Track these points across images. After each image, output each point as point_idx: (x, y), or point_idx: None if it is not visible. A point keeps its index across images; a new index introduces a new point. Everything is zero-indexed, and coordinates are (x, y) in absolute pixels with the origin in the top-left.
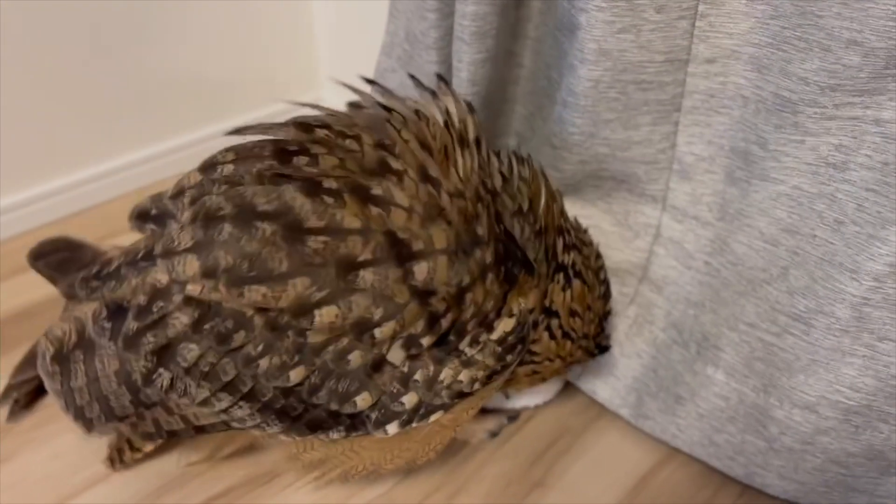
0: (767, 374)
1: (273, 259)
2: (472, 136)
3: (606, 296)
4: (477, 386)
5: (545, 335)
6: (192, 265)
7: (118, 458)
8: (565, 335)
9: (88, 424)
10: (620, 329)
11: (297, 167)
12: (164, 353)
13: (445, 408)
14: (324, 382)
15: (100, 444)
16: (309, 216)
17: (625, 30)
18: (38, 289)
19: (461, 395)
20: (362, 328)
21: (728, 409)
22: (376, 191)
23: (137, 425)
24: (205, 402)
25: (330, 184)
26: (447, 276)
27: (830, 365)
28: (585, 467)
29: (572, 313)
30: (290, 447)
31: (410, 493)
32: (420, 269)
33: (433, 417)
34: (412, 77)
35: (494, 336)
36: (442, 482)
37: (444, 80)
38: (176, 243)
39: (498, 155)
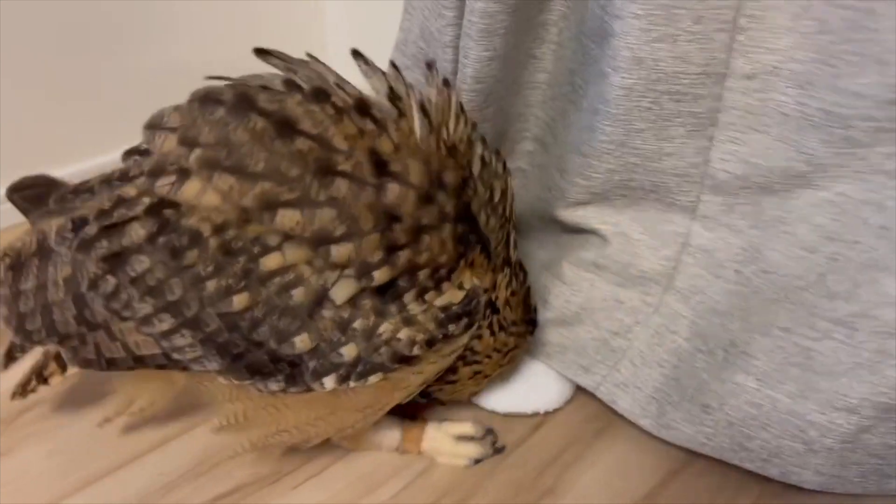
0: (804, 379)
1: (252, 156)
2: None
3: (525, 276)
4: (417, 350)
5: (486, 333)
6: (170, 140)
7: (31, 383)
8: (501, 328)
9: (27, 336)
10: (642, 339)
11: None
12: (114, 261)
13: (385, 369)
14: (265, 317)
15: (101, 441)
16: (304, 120)
17: (660, 39)
18: None
19: (401, 360)
20: (321, 241)
21: (761, 416)
22: (377, 113)
23: (78, 349)
24: (146, 321)
25: (337, 98)
26: (413, 209)
27: (875, 367)
28: (596, 476)
29: (507, 304)
30: (217, 392)
31: (418, 497)
32: (392, 189)
33: (371, 379)
34: (428, 66)
35: (440, 302)
36: (450, 488)
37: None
38: (165, 120)
39: (483, 142)
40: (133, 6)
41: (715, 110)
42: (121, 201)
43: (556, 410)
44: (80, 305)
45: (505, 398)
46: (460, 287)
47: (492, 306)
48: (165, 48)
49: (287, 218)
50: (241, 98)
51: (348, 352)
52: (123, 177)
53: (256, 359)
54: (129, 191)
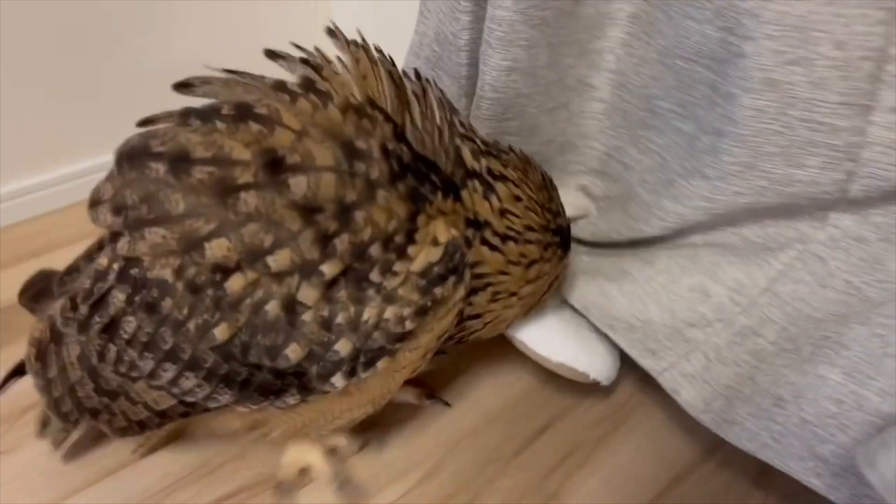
0: None
1: (170, 200)
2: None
3: (547, 185)
4: (409, 324)
5: (484, 249)
6: (105, 211)
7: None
8: (506, 238)
9: (65, 418)
10: (722, 336)
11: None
12: (110, 330)
13: (388, 353)
14: (252, 340)
15: (107, 439)
16: (196, 147)
17: (795, 62)
18: None
19: (398, 339)
20: (254, 256)
21: (841, 416)
22: (260, 110)
23: (111, 421)
24: (153, 375)
25: (225, 110)
26: (333, 192)
27: None
28: (601, 480)
29: (503, 214)
30: (234, 421)
31: (423, 499)
32: (297, 183)
33: (380, 364)
34: (331, 32)
35: (416, 267)
36: (456, 491)
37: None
38: (100, 194)
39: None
40: (134, 6)
41: (856, 145)
42: (98, 275)
43: (589, 396)
44: (95, 378)
45: (558, 348)
46: (435, 243)
47: (474, 224)
48: (167, 48)
49: (217, 248)
50: (133, 151)
51: (343, 347)
52: (100, 247)
53: (263, 380)
54: (103, 262)
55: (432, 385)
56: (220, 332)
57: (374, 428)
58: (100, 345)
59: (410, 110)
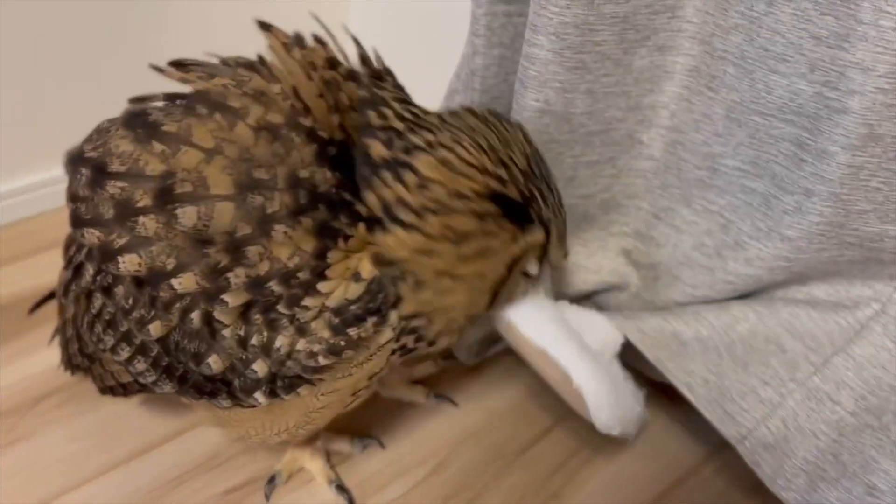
0: None
1: (103, 205)
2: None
3: (498, 146)
4: (322, 360)
5: (398, 230)
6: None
7: None
8: (423, 212)
9: (67, 363)
10: (797, 398)
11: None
12: (85, 301)
13: (308, 381)
14: (181, 341)
15: (119, 430)
16: (114, 161)
17: None
18: (39, 275)
19: (315, 371)
20: (158, 277)
21: None
22: (169, 127)
23: (94, 379)
24: (114, 351)
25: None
26: (228, 223)
27: None
28: (603, 482)
29: (423, 186)
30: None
31: (426, 497)
32: (185, 214)
33: (302, 390)
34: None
35: (331, 303)
36: (459, 488)
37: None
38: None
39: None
40: (140, 5)
41: None
42: (79, 245)
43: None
44: (79, 339)
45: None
46: (357, 279)
47: (385, 210)
48: (176, 47)
49: (129, 262)
50: (71, 154)
51: (259, 368)
52: None
53: (196, 380)
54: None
55: (440, 384)
56: (155, 329)
57: (379, 424)
58: (76, 312)
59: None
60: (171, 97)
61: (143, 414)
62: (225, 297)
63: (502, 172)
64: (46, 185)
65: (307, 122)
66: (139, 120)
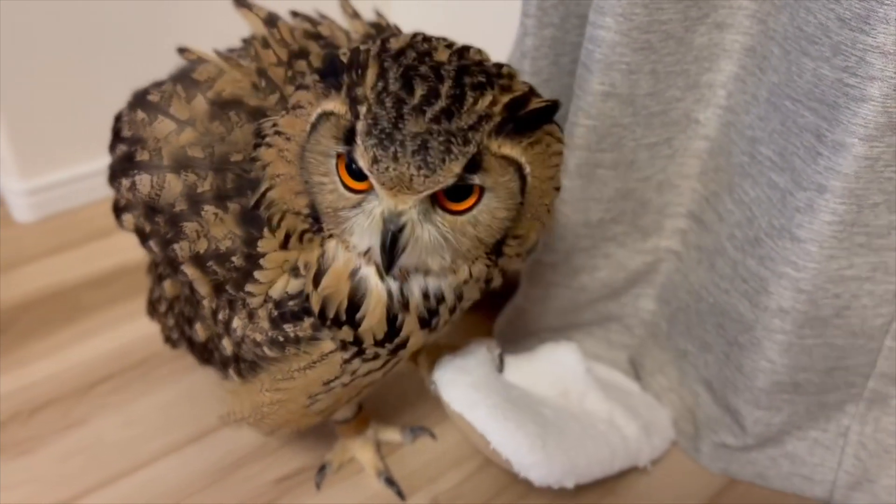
0: None
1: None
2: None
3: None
4: (268, 351)
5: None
6: None
7: None
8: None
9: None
10: (854, 428)
11: None
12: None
13: (261, 368)
14: (184, 305)
15: (173, 416)
16: (123, 125)
17: None
18: (64, 272)
19: (263, 358)
20: (141, 238)
21: None
22: (152, 97)
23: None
24: (157, 302)
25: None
26: (173, 196)
27: None
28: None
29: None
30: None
31: (475, 492)
32: (141, 181)
33: (262, 375)
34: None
35: (274, 293)
36: (509, 483)
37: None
38: None
39: None
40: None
41: None
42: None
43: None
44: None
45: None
46: (296, 274)
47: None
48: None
49: (126, 222)
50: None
51: (227, 345)
52: None
53: (197, 345)
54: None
55: None
56: (168, 288)
57: (431, 415)
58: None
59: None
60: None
61: (195, 401)
62: (184, 268)
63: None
64: (68, 185)
65: (253, 101)
66: (140, 91)
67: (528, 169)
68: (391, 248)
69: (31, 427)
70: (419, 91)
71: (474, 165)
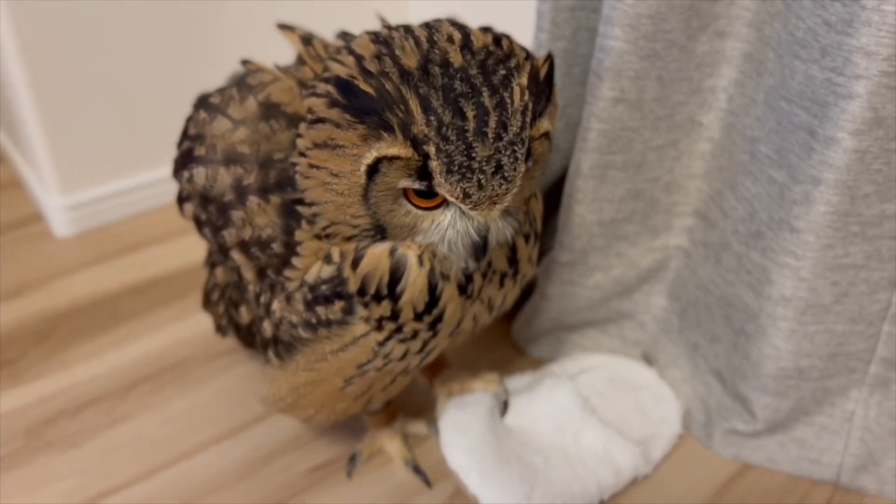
0: None
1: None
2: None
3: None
4: (302, 332)
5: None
6: None
7: None
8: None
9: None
10: (859, 413)
11: None
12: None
13: (299, 350)
14: (232, 290)
15: (208, 414)
16: (190, 125)
17: None
18: (102, 282)
19: (297, 339)
20: (199, 227)
21: None
22: (214, 99)
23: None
24: (211, 292)
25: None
26: (223, 187)
27: None
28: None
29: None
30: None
31: None
32: (198, 174)
33: (299, 357)
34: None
35: (309, 277)
36: None
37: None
38: None
39: None
40: (201, 29)
41: None
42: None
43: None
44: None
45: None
46: (328, 261)
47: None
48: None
49: (186, 211)
50: None
51: (267, 327)
52: None
53: (241, 328)
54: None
55: None
56: (220, 274)
57: None
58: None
59: None
60: None
61: (229, 400)
62: (232, 253)
63: (371, 66)
64: (107, 200)
65: (290, 109)
66: (204, 94)
67: (552, 132)
68: (485, 249)
69: (78, 423)
70: (470, 113)
71: (527, 155)
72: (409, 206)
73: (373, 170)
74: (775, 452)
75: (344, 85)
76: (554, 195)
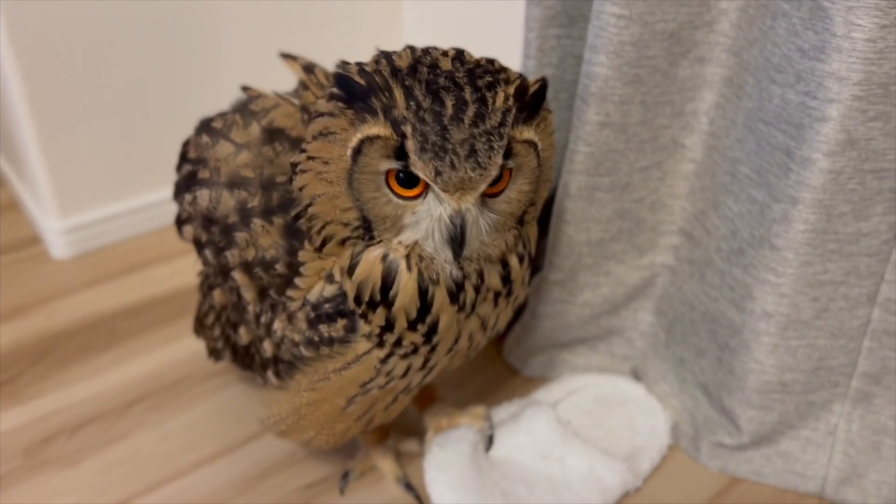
0: None
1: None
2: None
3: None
4: (304, 351)
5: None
6: None
7: None
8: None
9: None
10: (842, 427)
11: None
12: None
13: (300, 370)
14: (231, 311)
15: (205, 432)
16: (191, 149)
17: (876, 118)
18: (100, 303)
19: (299, 359)
20: (198, 247)
21: None
22: (216, 123)
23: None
24: (206, 316)
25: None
26: (227, 210)
27: None
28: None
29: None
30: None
31: None
32: (202, 197)
33: (298, 376)
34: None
35: (311, 297)
36: None
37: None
38: None
39: None
40: (205, 46)
41: None
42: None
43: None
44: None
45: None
46: (330, 280)
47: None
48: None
49: (186, 233)
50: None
51: (267, 347)
52: None
53: (239, 350)
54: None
55: None
56: (217, 297)
57: None
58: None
59: None
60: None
61: (224, 418)
62: (234, 273)
63: (368, 67)
64: (106, 222)
65: (296, 132)
66: (206, 119)
67: (541, 146)
68: (461, 241)
69: (76, 442)
70: (449, 102)
71: (507, 153)
72: (391, 195)
73: (357, 151)
74: (761, 465)
75: (340, 78)
76: (543, 216)
